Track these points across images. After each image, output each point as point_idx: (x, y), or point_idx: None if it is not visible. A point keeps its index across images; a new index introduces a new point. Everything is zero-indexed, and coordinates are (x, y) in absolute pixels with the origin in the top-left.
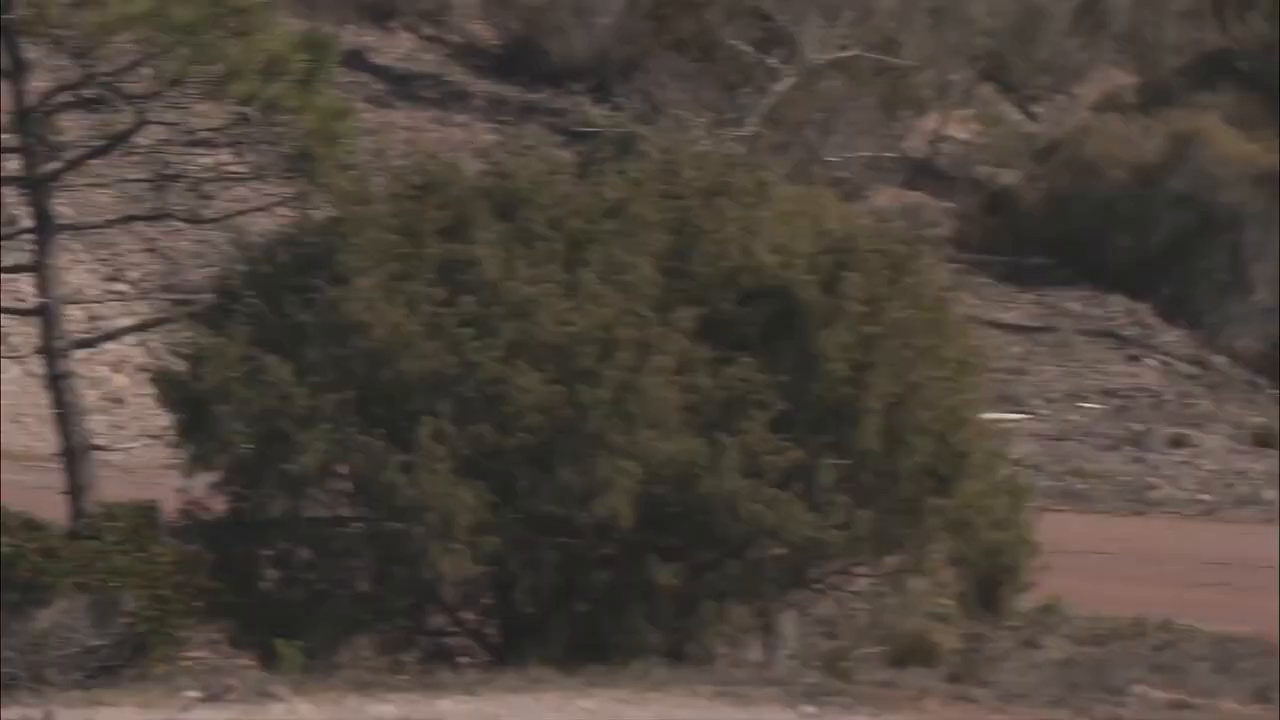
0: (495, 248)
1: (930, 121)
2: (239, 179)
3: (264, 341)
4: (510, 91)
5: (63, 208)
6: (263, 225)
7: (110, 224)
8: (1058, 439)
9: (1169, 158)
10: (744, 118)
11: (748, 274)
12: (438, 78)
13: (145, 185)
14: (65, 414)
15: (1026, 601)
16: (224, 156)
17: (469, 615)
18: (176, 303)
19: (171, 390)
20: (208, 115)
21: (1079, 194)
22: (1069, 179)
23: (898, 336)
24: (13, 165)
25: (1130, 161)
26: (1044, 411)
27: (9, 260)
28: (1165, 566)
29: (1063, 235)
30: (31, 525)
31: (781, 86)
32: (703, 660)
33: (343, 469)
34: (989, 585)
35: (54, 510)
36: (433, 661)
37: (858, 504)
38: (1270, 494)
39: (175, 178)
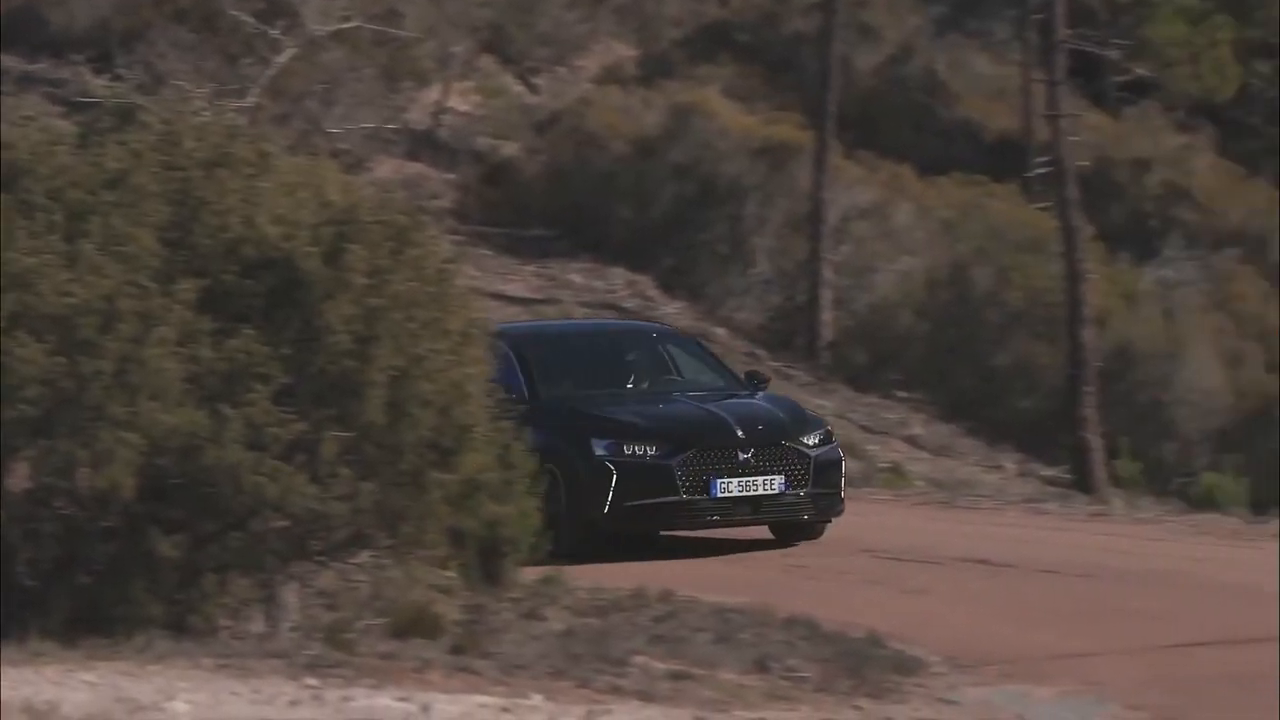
0: None
1: (431, 93)
2: None
3: None
4: (10, 61)
5: None
6: None
7: None
8: None
9: (669, 130)
10: (246, 89)
11: (249, 245)
12: None
13: None
14: None
15: (528, 573)
16: None
17: None
18: None
19: None
20: None
21: (580, 166)
22: (570, 151)
23: (401, 309)
24: None
25: (630, 134)
26: None
27: None
28: (668, 538)
29: (564, 207)
30: None
31: (283, 58)
32: (205, 633)
33: None
34: (491, 557)
35: None
36: None
37: (361, 476)
38: None
39: None
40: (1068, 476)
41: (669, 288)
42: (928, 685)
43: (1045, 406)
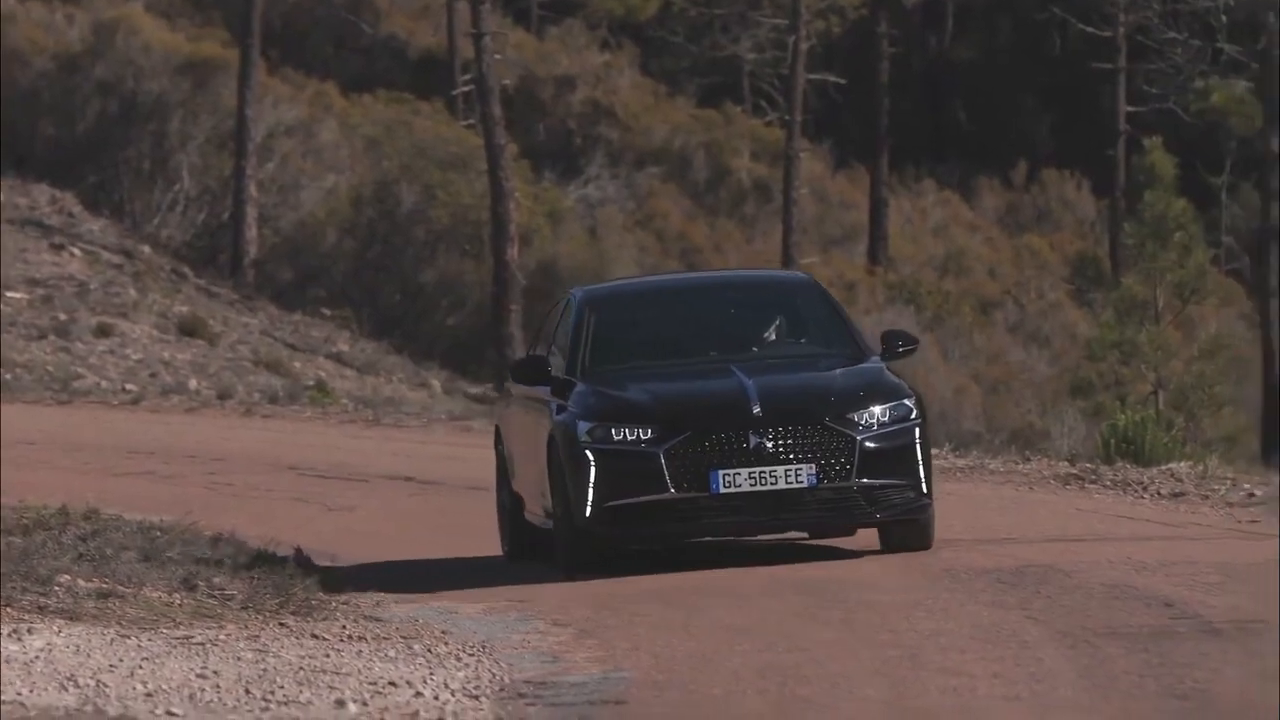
0: None
1: None
2: None
3: None
4: None
5: None
6: None
7: None
8: None
9: (92, 46)
10: None
11: None
12: None
13: None
14: None
15: None
16: None
17: None
18: None
19: None
20: None
21: (2, 82)
22: None
23: None
24: None
25: (54, 49)
26: None
27: None
28: (91, 455)
29: None
30: None
31: None
32: None
33: None
34: None
35: None
36: None
37: None
38: (194, 382)
39: None
40: (493, 394)
41: (93, 205)
42: (355, 602)
43: (471, 324)
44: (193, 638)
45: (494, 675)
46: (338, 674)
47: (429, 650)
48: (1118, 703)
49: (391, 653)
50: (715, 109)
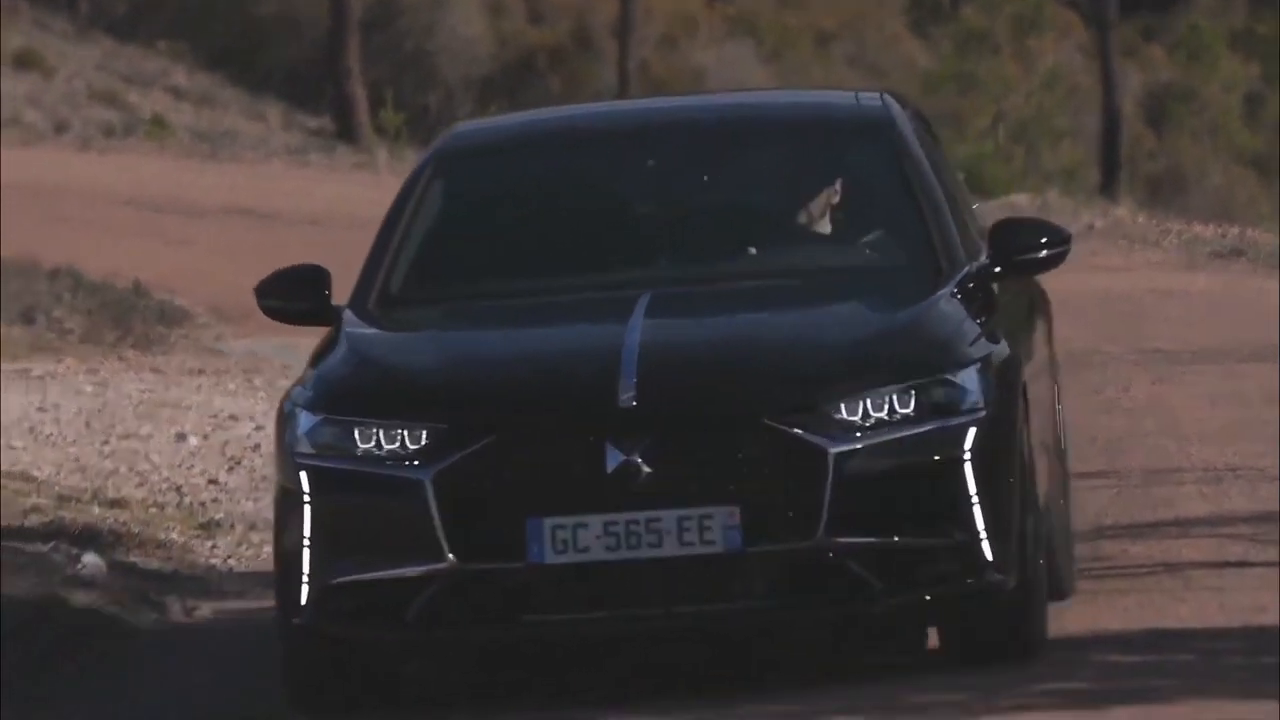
0: None
1: None
2: None
3: None
4: None
5: None
6: None
7: None
8: None
9: None
10: None
11: None
12: None
13: None
14: None
15: None
16: None
17: None
18: None
19: None
20: None
21: None
22: None
23: None
24: None
25: None
26: None
27: None
28: None
29: None
30: None
31: None
32: None
33: None
34: None
35: None
36: None
37: None
38: (30, 115)
39: None
40: (331, 127)
41: None
42: (194, 336)
43: (309, 56)
44: (31, 370)
45: None
46: (178, 408)
47: (269, 384)
48: None
49: (232, 386)
50: None
